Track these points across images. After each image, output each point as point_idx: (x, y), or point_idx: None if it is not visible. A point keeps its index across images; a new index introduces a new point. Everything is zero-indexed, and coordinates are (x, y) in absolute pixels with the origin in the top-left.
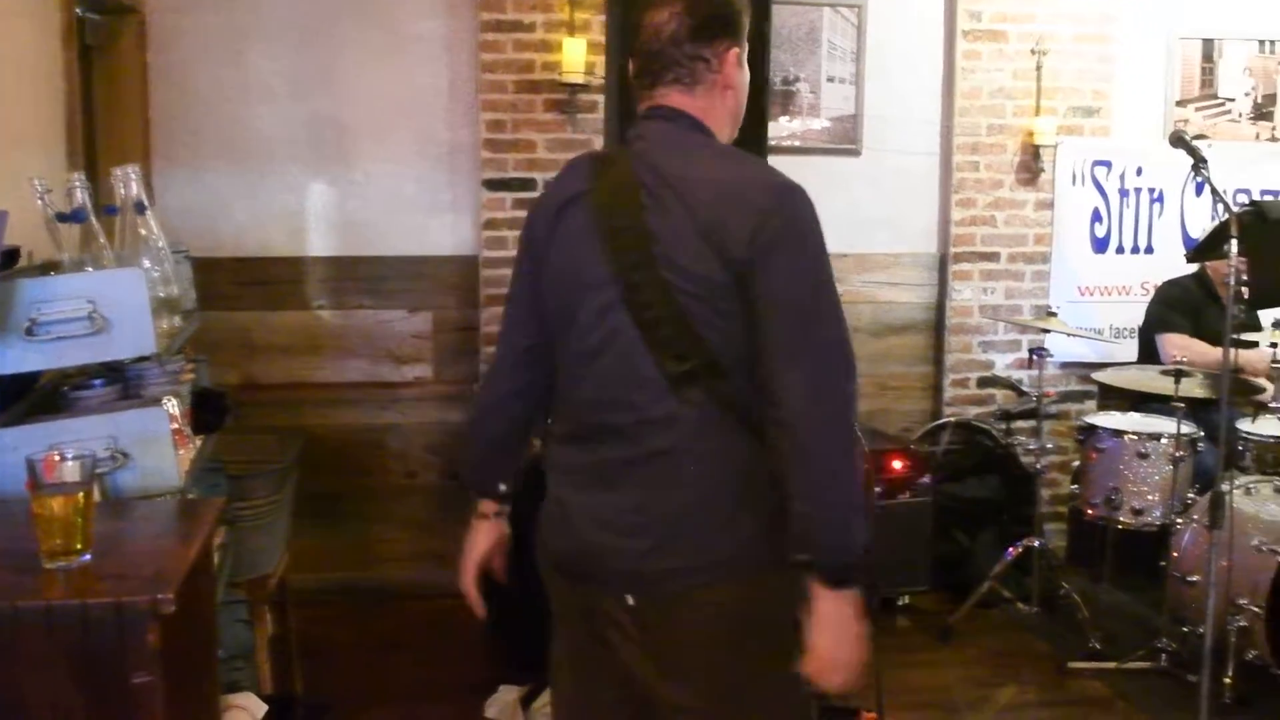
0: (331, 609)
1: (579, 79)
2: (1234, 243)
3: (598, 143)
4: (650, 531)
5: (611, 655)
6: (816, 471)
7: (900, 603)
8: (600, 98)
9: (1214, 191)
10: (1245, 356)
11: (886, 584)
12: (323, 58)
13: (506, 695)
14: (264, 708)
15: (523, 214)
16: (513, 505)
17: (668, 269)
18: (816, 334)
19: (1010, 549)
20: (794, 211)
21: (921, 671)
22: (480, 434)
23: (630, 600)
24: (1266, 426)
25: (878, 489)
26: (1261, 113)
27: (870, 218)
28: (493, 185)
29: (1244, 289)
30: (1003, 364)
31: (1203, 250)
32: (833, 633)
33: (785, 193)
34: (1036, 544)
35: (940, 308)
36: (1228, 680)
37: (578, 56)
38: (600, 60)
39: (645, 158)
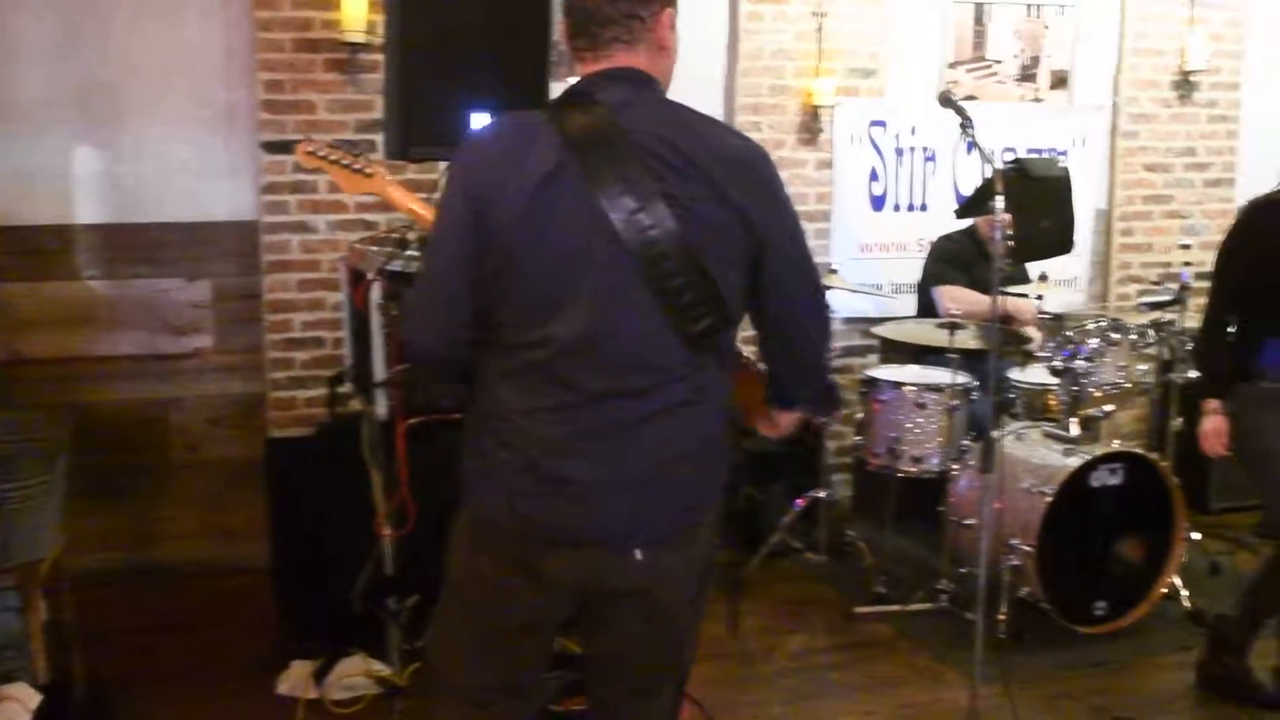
0: (113, 591)
1: (360, 38)
2: (999, 199)
3: (379, 104)
4: (668, 482)
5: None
6: (817, 360)
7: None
8: (381, 57)
9: (980, 150)
10: (1014, 304)
11: None
12: (92, 17)
13: (300, 670)
14: (38, 698)
15: (305, 177)
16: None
17: (694, 239)
18: (811, 277)
19: (798, 501)
20: (776, 173)
21: (716, 624)
22: (450, 374)
23: (639, 554)
24: (1035, 375)
25: None
26: (1027, 74)
27: None
28: (272, 148)
29: (1009, 243)
30: None
31: (970, 207)
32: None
33: (767, 156)
34: (823, 495)
35: None
36: (1002, 616)
37: (358, 14)
38: (380, 18)
39: (644, 126)
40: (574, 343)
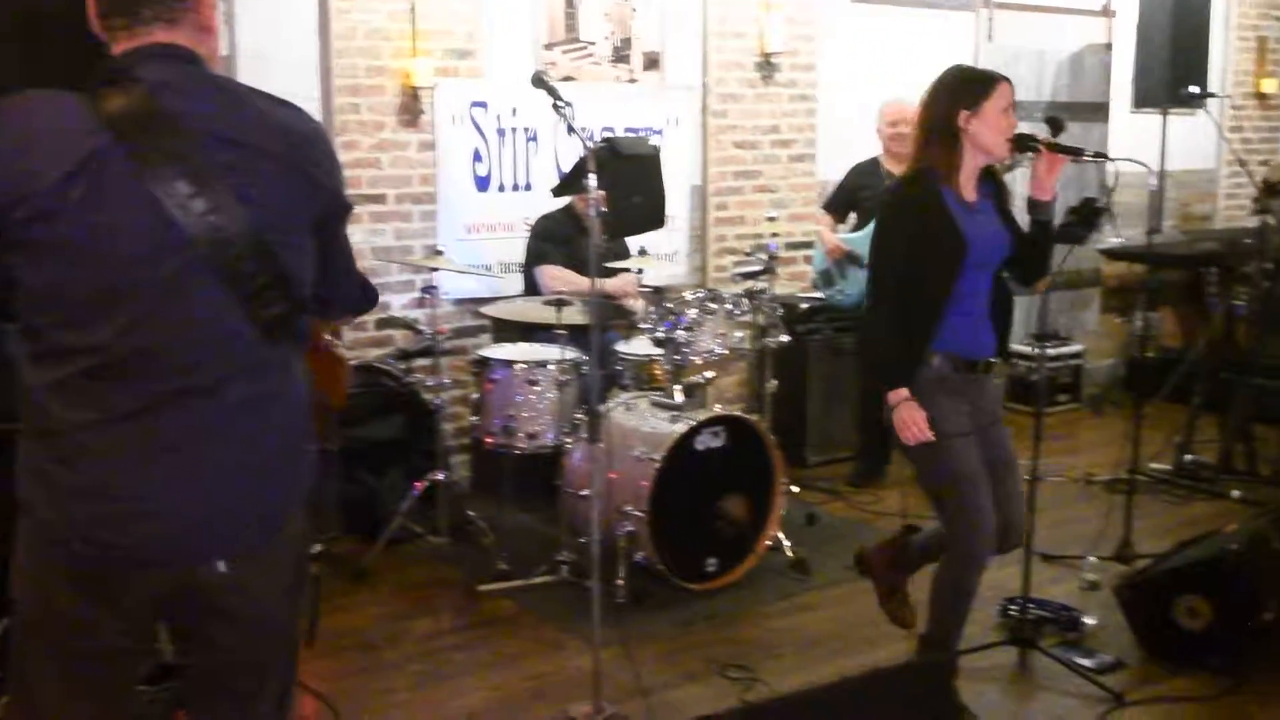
0: None
1: None
2: (592, 177)
3: None
4: (248, 483)
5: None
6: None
7: (313, 551)
8: None
9: (572, 129)
10: (613, 284)
11: None
12: None
13: None
14: None
15: None
16: None
17: (262, 221)
18: (349, 249)
19: (417, 485)
20: (331, 144)
21: (339, 616)
22: None
23: (222, 566)
24: (640, 346)
25: None
26: (620, 56)
27: None
28: None
29: (605, 219)
30: (399, 304)
31: (565, 185)
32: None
33: (322, 127)
34: (441, 477)
35: None
36: (620, 582)
37: None
38: None
39: (192, 103)
40: (131, 343)
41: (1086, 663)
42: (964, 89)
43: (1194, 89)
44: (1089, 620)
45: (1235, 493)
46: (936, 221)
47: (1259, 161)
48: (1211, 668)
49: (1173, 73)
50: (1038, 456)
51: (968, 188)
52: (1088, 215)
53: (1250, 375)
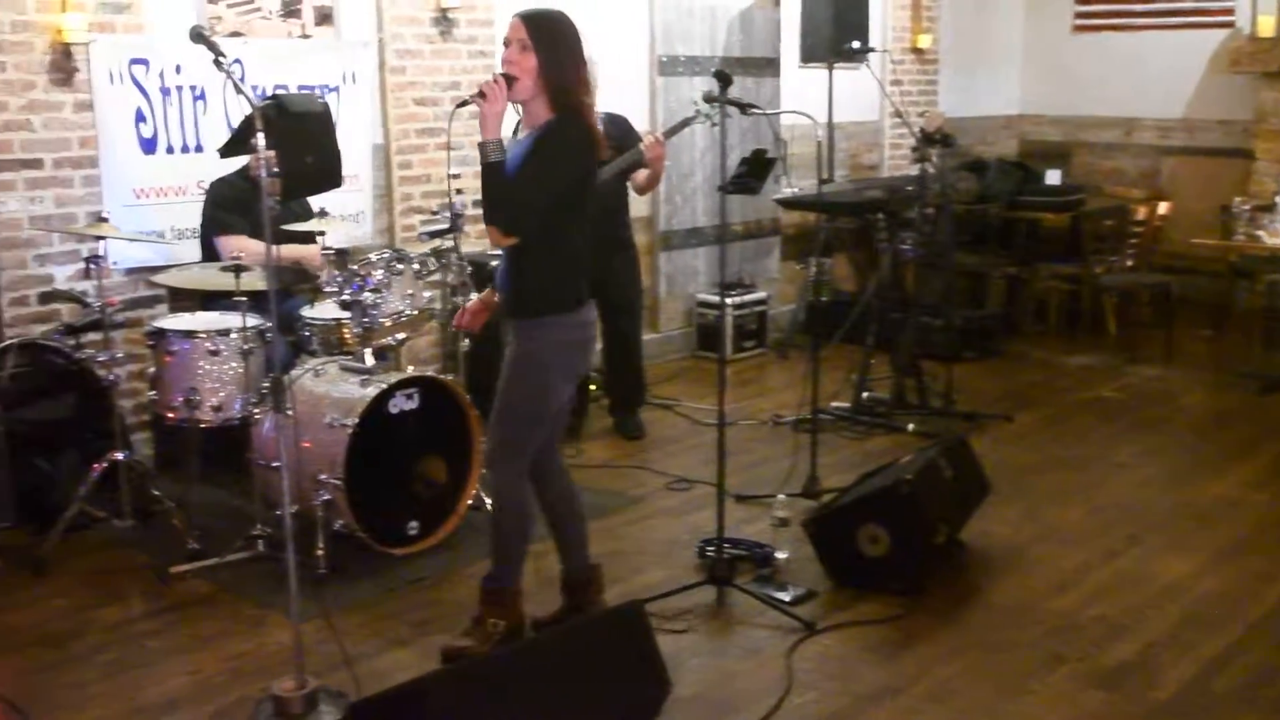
0: None
1: None
2: (260, 136)
3: None
4: None
5: None
6: None
7: None
8: None
9: (237, 88)
10: (297, 252)
11: None
12: None
13: None
14: None
15: None
16: None
17: None
18: None
19: (95, 466)
20: None
21: (18, 613)
22: None
23: None
24: (326, 310)
25: None
26: (291, 10)
27: None
28: None
29: (277, 180)
30: (64, 276)
31: (232, 145)
32: None
33: None
34: (121, 457)
35: None
36: (319, 552)
37: None
38: None
39: None
40: None
41: (780, 595)
42: None
43: (856, 44)
44: (781, 555)
45: (910, 426)
46: None
47: (918, 113)
48: (893, 590)
49: (836, 29)
50: (722, 400)
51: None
52: (759, 166)
53: (916, 314)
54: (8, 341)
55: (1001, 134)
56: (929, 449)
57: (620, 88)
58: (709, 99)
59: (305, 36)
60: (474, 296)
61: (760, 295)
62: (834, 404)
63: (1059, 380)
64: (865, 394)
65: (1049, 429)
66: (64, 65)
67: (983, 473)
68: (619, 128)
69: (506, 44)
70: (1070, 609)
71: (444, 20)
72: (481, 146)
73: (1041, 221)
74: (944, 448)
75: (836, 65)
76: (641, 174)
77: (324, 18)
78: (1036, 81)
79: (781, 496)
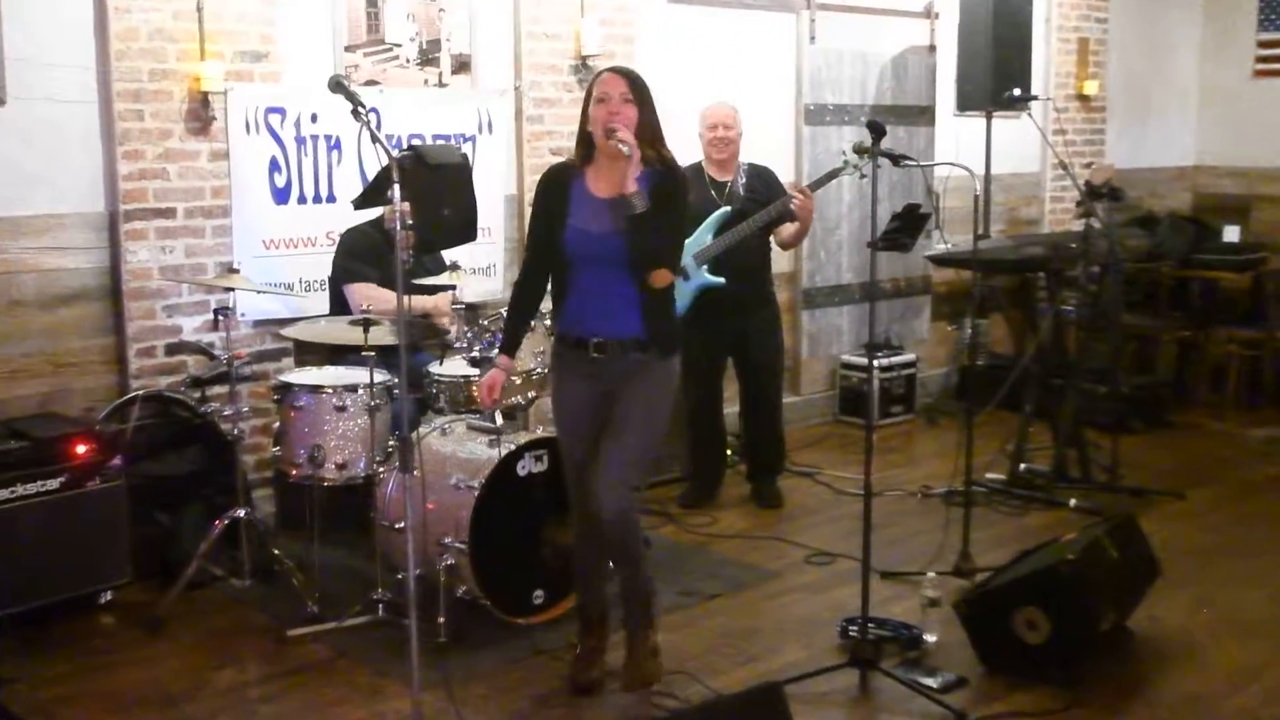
0: None
1: None
2: (396, 188)
3: None
4: None
5: None
6: None
7: (102, 600)
8: None
9: (374, 137)
10: (428, 303)
11: (81, 582)
12: None
13: None
14: None
15: None
16: None
17: None
18: None
19: (216, 523)
20: None
21: (132, 670)
22: None
23: None
24: (454, 367)
25: (62, 479)
26: (428, 58)
27: (25, 175)
28: None
29: (412, 233)
30: (191, 328)
31: (368, 197)
32: None
33: None
34: (243, 513)
35: (115, 271)
36: (441, 620)
37: None
38: None
39: None
40: None
41: (929, 682)
42: (586, 95)
43: (1016, 92)
44: (930, 637)
45: (1072, 501)
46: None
47: (1083, 164)
48: (1053, 680)
49: (996, 75)
50: (868, 470)
51: (599, 184)
52: (912, 221)
53: (1079, 380)
54: (133, 393)
55: (1174, 186)
56: (1093, 527)
57: (765, 137)
58: (859, 150)
59: (442, 85)
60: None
61: (909, 357)
62: (988, 476)
63: (1237, 454)
64: (1023, 465)
65: (1226, 507)
66: (201, 114)
67: (1152, 554)
68: (763, 180)
69: (602, 99)
70: (1249, 707)
71: (583, 68)
72: (634, 197)
73: (1219, 281)
74: (1110, 526)
75: (995, 114)
76: (787, 228)
77: (461, 66)
78: (1213, 130)
79: (931, 574)
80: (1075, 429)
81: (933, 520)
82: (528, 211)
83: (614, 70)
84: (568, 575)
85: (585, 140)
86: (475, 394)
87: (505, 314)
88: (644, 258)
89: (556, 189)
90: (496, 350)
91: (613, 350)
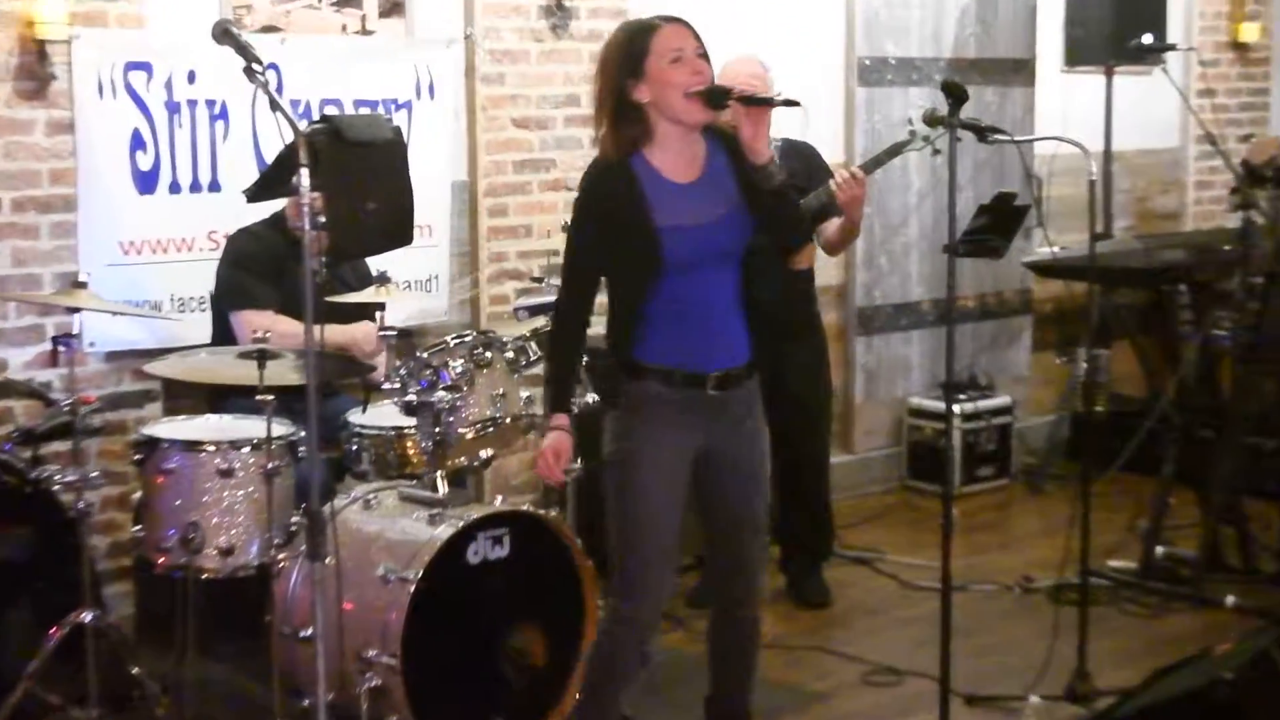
0: None
1: None
2: (304, 173)
3: None
4: None
5: None
6: None
7: None
8: None
9: (274, 103)
10: (344, 334)
11: None
12: None
13: None
14: None
15: None
16: None
17: None
18: None
19: (53, 631)
20: None
21: None
22: None
23: None
24: (384, 416)
25: None
26: None
27: None
28: None
29: (325, 234)
30: (20, 362)
31: (266, 185)
32: None
33: None
34: (89, 618)
35: None
36: None
37: None
38: None
39: None
40: None
41: None
42: (623, 55)
43: (1148, 39)
44: None
45: (1229, 599)
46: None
47: (1239, 137)
48: None
49: (1119, 19)
50: (948, 556)
51: (678, 167)
52: (1004, 217)
53: (1237, 433)
54: None
55: None
56: (1258, 634)
57: (805, 102)
58: (931, 120)
59: (366, 32)
60: (590, 398)
61: (1002, 401)
62: (1112, 563)
63: None
64: (1160, 549)
65: None
66: (37, 71)
67: None
68: (802, 159)
69: (679, 59)
70: None
71: (558, 9)
72: (772, 165)
73: None
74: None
75: (1118, 70)
76: (832, 224)
77: (393, 6)
78: None
79: (1034, 699)
80: (1233, 499)
81: (1036, 625)
82: (481, 203)
83: (673, 20)
84: (538, 697)
85: (631, 115)
86: (535, 468)
87: (549, 360)
88: (791, 235)
89: (622, 189)
90: (546, 410)
91: (733, 384)
